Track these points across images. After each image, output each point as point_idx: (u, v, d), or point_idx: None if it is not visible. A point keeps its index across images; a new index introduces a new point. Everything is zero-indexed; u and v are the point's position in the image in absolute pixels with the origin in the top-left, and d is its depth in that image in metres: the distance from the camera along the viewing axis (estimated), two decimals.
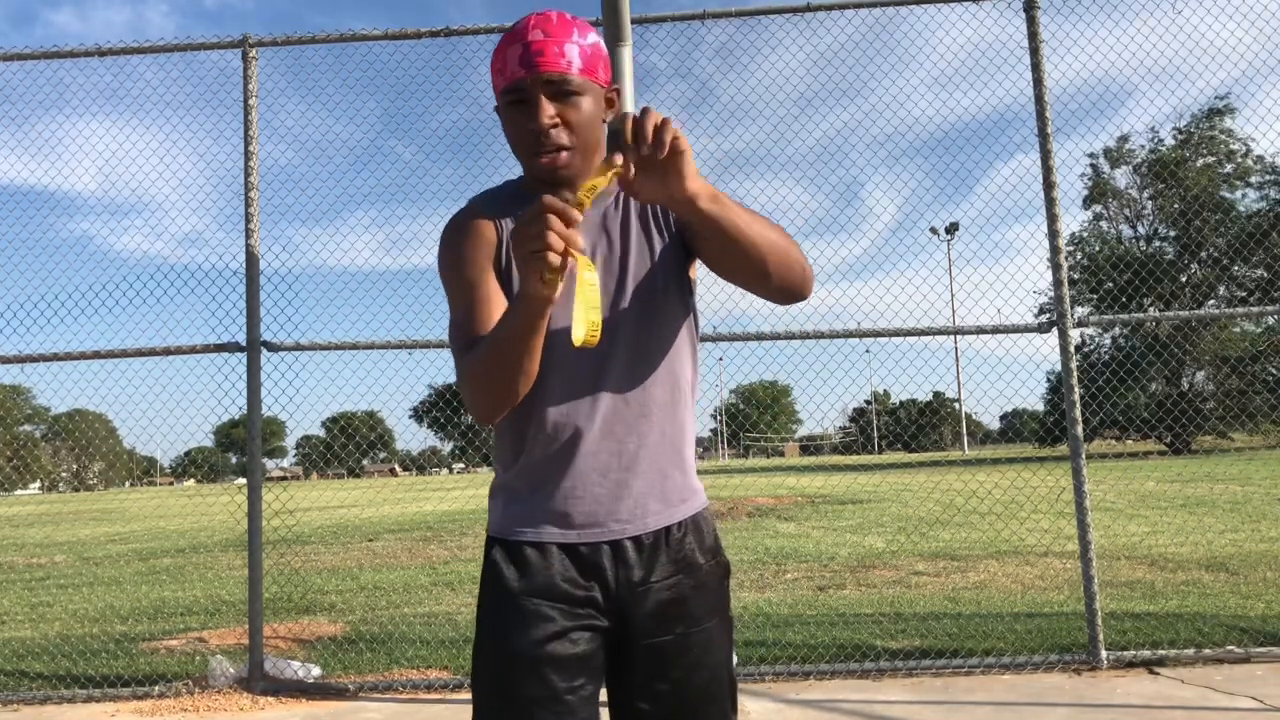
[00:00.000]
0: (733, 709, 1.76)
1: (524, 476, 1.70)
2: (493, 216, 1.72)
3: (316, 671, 5.42)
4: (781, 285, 1.62)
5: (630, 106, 3.80)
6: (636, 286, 1.69)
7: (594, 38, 1.68)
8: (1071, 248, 35.95)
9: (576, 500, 1.67)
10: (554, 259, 1.36)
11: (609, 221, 1.72)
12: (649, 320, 1.69)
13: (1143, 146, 37.56)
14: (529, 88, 1.62)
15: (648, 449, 1.68)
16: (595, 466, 1.66)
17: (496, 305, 1.66)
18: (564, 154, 1.64)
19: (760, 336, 5.30)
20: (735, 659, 1.81)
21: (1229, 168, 35.78)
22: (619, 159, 1.41)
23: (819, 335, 5.32)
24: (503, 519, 1.73)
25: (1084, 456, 5.08)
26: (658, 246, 1.71)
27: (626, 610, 1.67)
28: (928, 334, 5.34)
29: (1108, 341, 37.37)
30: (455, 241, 1.72)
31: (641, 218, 1.73)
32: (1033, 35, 5.24)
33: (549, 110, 1.61)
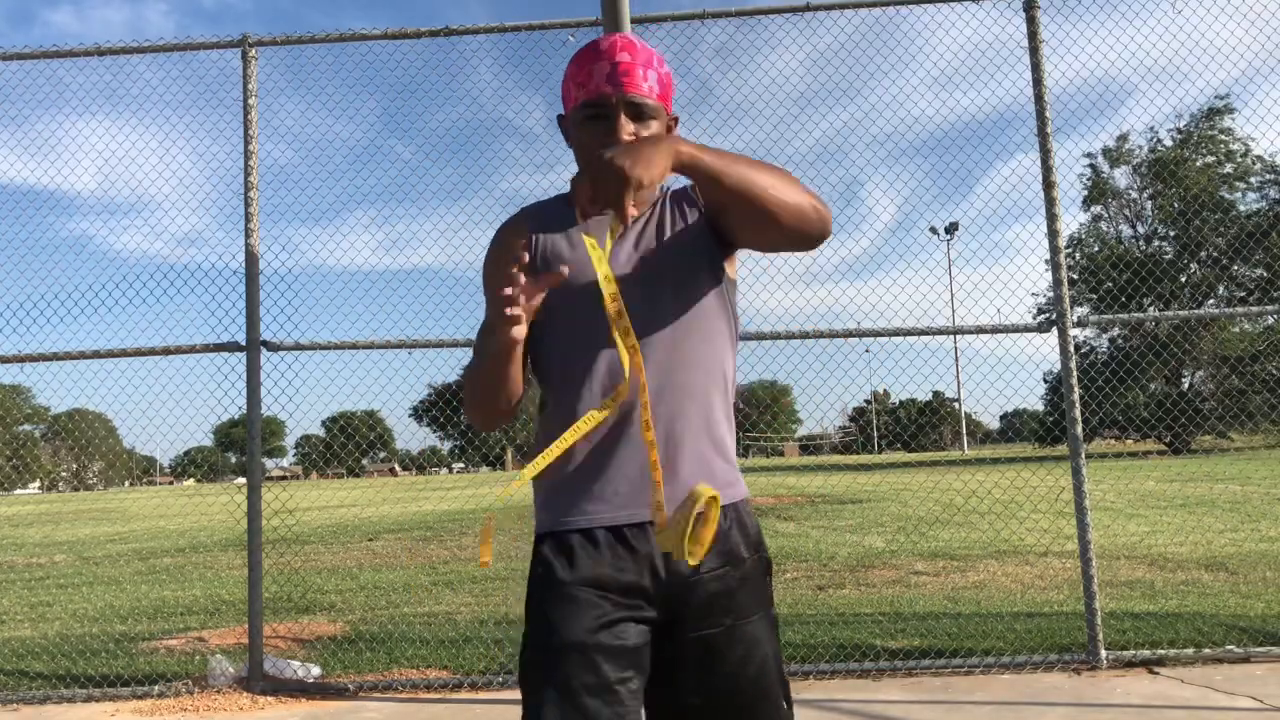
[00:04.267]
0: (787, 704, 1.76)
1: (571, 463, 1.72)
2: (531, 229, 1.83)
3: (316, 671, 5.42)
4: (795, 223, 1.65)
5: None
6: (675, 274, 1.75)
7: (667, 68, 1.81)
8: (1070, 248, 35.90)
9: (624, 480, 1.69)
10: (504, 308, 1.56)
11: (646, 215, 1.81)
12: (688, 307, 1.74)
13: (1142, 146, 37.56)
14: (613, 105, 1.71)
15: (691, 431, 1.72)
16: (641, 446, 1.68)
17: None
18: None
19: (760, 336, 5.30)
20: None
21: (1229, 168, 35.77)
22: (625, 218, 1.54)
23: (819, 335, 5.32)
24: (550, 513, 1.75)
25: (1084, 456, 5.08)
26: (693, 239, 1.79)
27: (676, 600, 1.68)
28: (928, 334, 5.33)
29: (1105, 344, 37.35)
30: (492, 254, 1.87)
31: (678, 210, 1.82)
32: (1033, 35, 5.24)
33: (629, 128, 1.71)
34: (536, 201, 1.91)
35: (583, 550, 1.69)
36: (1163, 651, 4.98)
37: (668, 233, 1.80)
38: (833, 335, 5.36)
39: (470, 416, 1.80)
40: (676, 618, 1.69)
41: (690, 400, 1.72)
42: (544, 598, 1.70)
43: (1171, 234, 38.16)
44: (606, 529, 1.69)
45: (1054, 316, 5.22)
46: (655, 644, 1.69)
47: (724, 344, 1.79)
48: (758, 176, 1.62)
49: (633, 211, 1.53)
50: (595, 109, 1.72)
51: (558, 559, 1.70)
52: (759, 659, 1.71)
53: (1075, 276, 35.21)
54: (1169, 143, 36.85)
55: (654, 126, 1.75)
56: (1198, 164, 35.77)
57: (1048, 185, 5.21)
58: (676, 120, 1.86)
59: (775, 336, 5.30)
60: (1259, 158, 34.09)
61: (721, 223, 1.78)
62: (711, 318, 1.78)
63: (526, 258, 1.62)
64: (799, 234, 1.67)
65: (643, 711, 1.70)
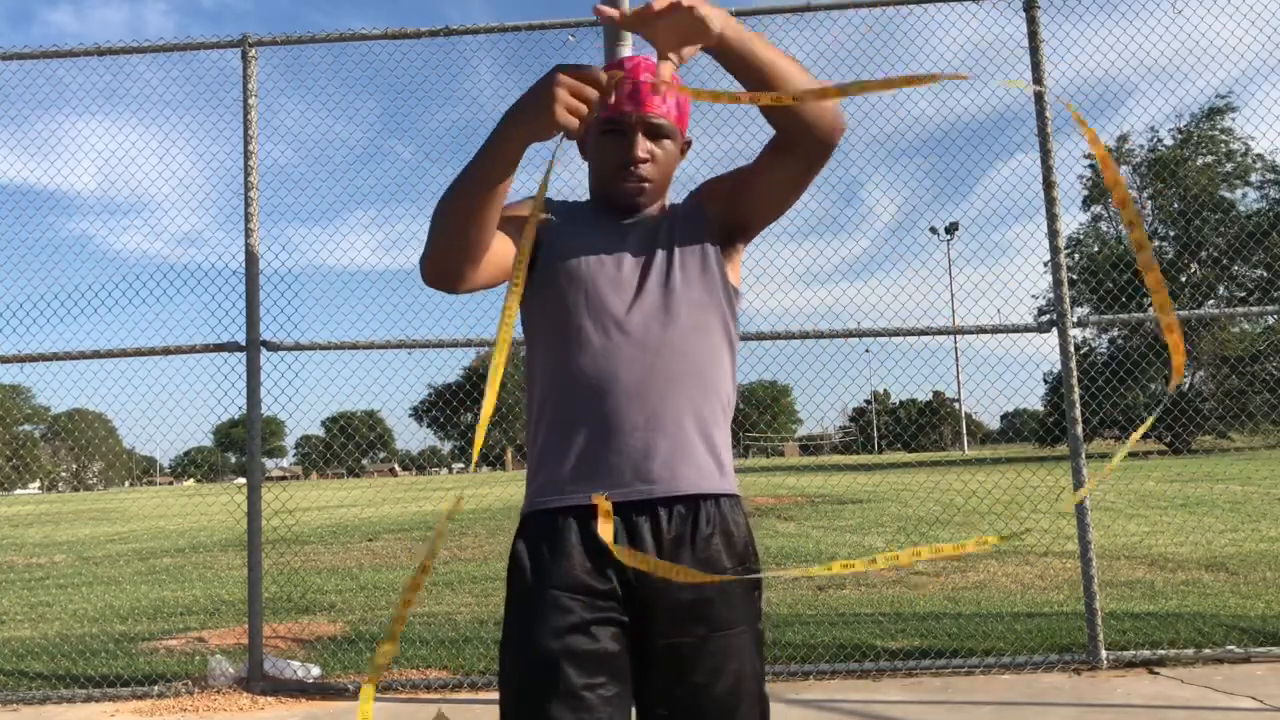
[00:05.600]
0: None
1: (556, 440, 1.73)
2: (549, 209, 1.86)
3: (316, 671, 5.42)
4: (817, 120, 1.66)
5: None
6: (674, 271, 1.79)
7: (685, 96, 1.85)
8: (1070, 249, 35.83)
9: (606, 454, 1.68)
10: (562, 115, 1.49)
11: (657, 221, 1.86)
12: (683, 301, 1.78)
13: (1142, 146, 37.53)
14: (632, 124, 1.78)
15: (675, 414, 1.71)
16: (624, 424, 1.69)
17: (503, 234, 1.77)
18: (646, 185, 1.82)
19: (760, 336, 5.30)
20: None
21: (1229, 167, 35.74)
22: (617, 73, 1.59)
23: (819, 335, 5.32)
24: (532, 494, 1.75)
25: (1084, 456, 5.07)
26: (696, 242, 1.84)
27: (645, 605, 1.66)
28: (928, 334, 5.33)
29: (1105, 344, 37.32)
30: (521, 202, 1.90)
31: (683, 221, 1.86)
32: (1033, 35, 5.24)
33: (645, 146, 1.80)
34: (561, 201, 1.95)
35: (552, 549, 1.68)
36: (1163, 651, 4.98)
37: (673, 236, 1.84)
38: (833, 335, 5.35)
39: (446, 241, 1.66)
40: (647, 624, 1.67)
41: (676, 386, 1.72)
42: (516, 600, 1.71)
43: (1171, 234, 38.13)
44: (574, 516, 1.69)
45: (1054, 316, 5.22)
46: (631, 647, 1.67)
47: (720, 341, 1.81)
48: (795, 68, 1.63)
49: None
50: (614, 125, 1.79)
51: (529, 559, 1.71)
52: (732, 674, 1.67)
53: (1075, 277, 35.15)
54: (1169, 142, 36.85)
55: (669, 147, 1.83)
56: (1198, 164, 35.75)
57: (1048, 185, 5.20)
58: (689, 144, 1.94)
59: (775, 336, 5.30)
60: (1259, 156, 34.08)
61: (752, 184, 1.81)
62: (708, 315, 1.80)
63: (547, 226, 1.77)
64: (827, 135, 1.68)
65: (631, 713, 1.68)
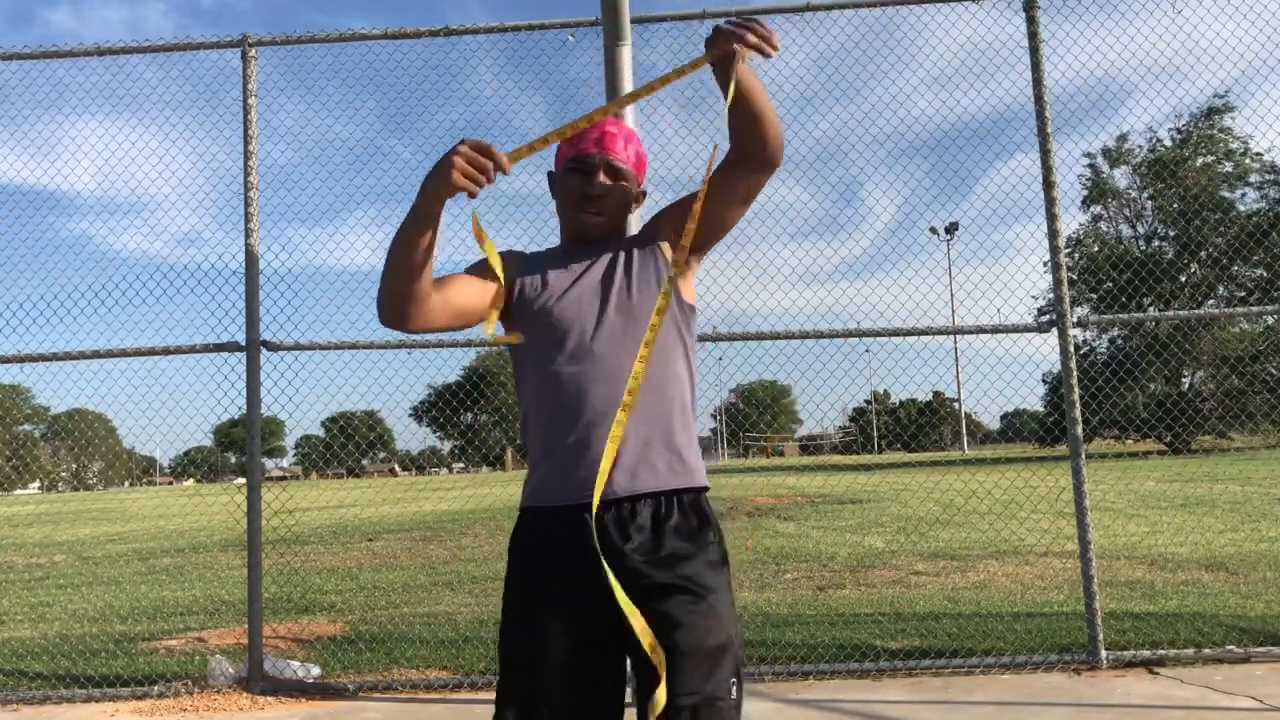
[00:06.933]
0: (734, 641, 1.91)
1: (539, 452, 2.03)
2: (522, 262, 2.17)
3: (316, 671, 5.42)
4: (776, 143, 1.99)
5: (628, 112, 3.78)
6: (634, 297, 2.05)
7: (644, 150, 2.23)
8: (1070, 249, 35.77)
9: (578, 467, 1.95)
10: (458, 179, 1.76)
11: (615, 255, 2.12)
12: (644, 328, 2.01)
13: (1141, 146, 37.49)
14: (595, 162, 2.10)
15: (637, 428, 1.96)
16: (592, 440, 1.95)
17: (462, 284, 2.07)
18: (599, 217, 2.12)
19: (760, 336, 5.30)
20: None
21: (1228, 167, 35.72)
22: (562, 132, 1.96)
23: (819, 335, 5.32)
24: (525, 492, 2.05)
25: (1084, 456, 5.08)
26: (653, 268, 2.10)
27: (617, 577, 1.88)
28: (928, 334, 5.33)
29: (1105, 344, 37.29)
30: (495, 255, 2.15)
31: (638, 249, 2.13)
32: (1033, 35, 5.24)
33: (604, 181, 2.11)
34: (536, 251, 2.24)
35: (541, 539, 1.99)
36: (1163, 651, 4.98)
37: (629, 264, 2.10)
38: (833, 335, 5.35)
39: (387, 287, 1.90)
40: (618, 588, 1.88)
41: (637, 401, 1.95)
42: (510, 582, 2.02)
43: (1171, 234, 38.10)
44: (558, 515, 1.96)
45: (1054, 317, 5.22)
46: (613, 624, 1.88)
47: (677, 355, 2.07)
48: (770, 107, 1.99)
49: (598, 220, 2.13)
50: (580, 164, 2.10)
51: (522, 547, 2.03)
52: (703, 608, 1.89)
53: (1075, 276, 35.13)
54: (1169, 143, 36.81)
55: (626, 189, 2.14)
56: (1197, 164, 35.72)
57: (1048, 185, 5.20)
58: (644, 194, 2.25)
59: (775, 336, 5.30)
60: (1258, 155, 34.04)
61: (721, 189, 2.06)
62: (665, 332, 2.03)
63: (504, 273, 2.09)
64: (776, 153, 2.01)
65: (609, 682, 1.95)
